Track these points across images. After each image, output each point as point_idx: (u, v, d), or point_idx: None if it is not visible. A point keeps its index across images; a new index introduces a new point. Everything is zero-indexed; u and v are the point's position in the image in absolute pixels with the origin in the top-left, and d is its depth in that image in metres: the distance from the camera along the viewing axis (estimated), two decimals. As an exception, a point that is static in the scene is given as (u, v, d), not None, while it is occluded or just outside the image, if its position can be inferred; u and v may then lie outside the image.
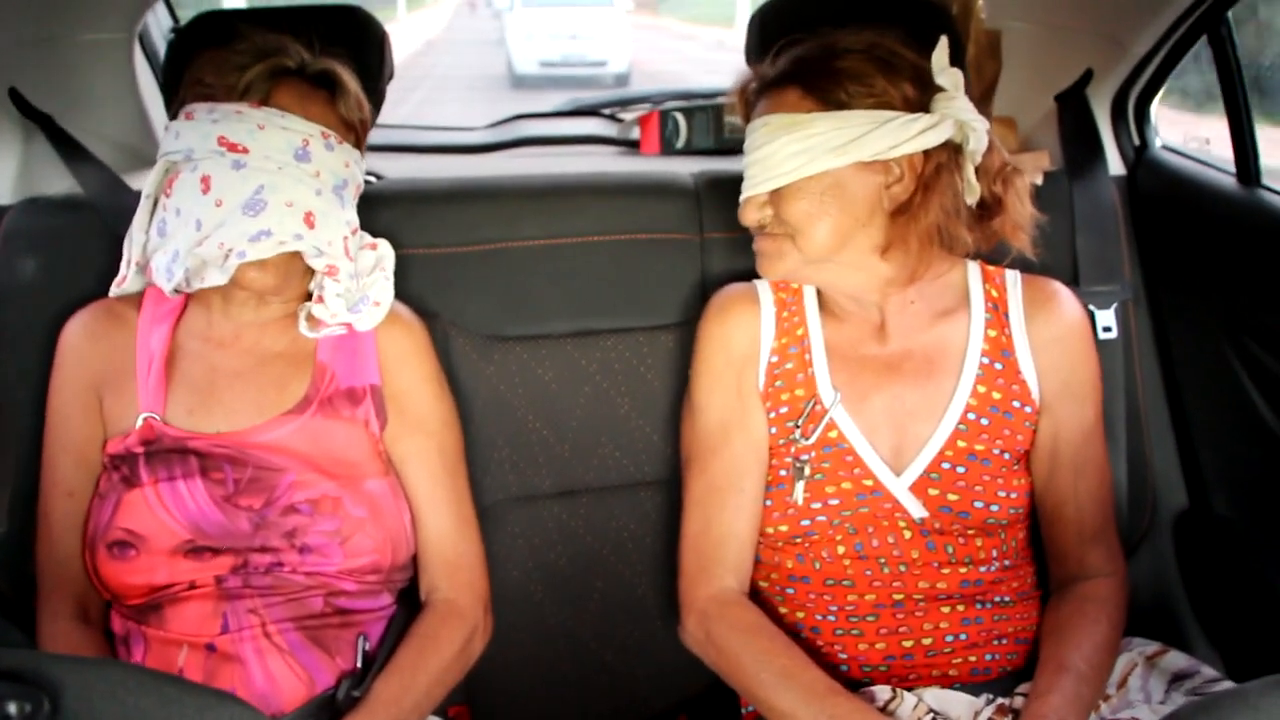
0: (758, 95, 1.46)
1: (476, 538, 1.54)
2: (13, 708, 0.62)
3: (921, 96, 1.39)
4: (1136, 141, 1.94)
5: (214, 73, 1.39)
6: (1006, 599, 1.45)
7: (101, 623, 1.43)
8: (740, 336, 1.51)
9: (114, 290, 1.46)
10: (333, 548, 1.39)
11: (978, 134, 1.38)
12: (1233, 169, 1.74)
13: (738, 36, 1.78)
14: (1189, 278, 1.80)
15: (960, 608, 1.41)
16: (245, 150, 1.33)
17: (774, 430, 1.48)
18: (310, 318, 1.43)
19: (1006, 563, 1.46)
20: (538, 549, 1.72)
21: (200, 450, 1.39)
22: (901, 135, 1.36)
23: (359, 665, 1.39)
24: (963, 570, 1.42)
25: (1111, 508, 1.55)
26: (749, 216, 1.44)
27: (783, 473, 1.45)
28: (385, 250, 1.50)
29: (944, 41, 1.39)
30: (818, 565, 1.43)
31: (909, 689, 1.38)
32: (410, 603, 1.51)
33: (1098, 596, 1.44)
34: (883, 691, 1.36)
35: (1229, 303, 1.71)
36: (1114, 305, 1.73)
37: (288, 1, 1.65)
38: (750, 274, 1.69)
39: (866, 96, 1.37)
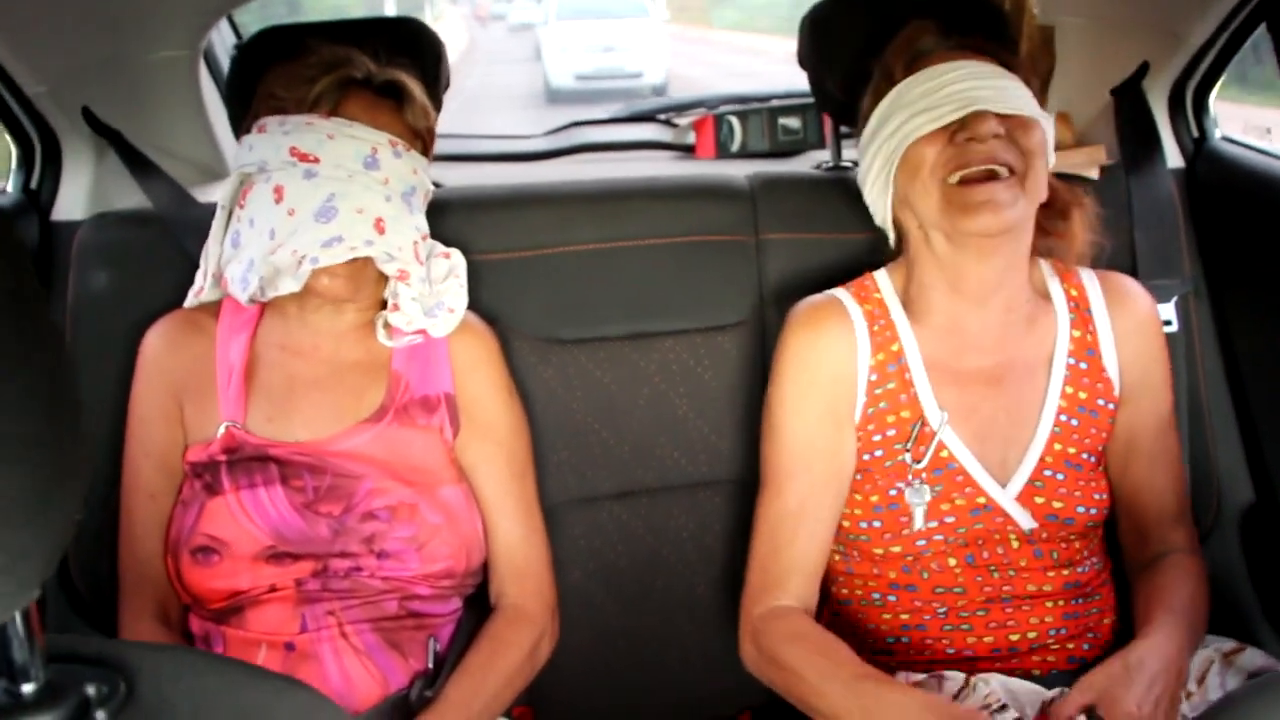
0: (923, 55, 1.42)
1: (544, 543, 1.56)
2: (90, 689, 0.63)
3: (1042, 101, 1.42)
4: (1195, 133, 1.92)
5: (285, 86, 1.42)
6: (1098, 594, 1.46)
7: (181, 624, 1.46)
8: (834, 356, 1.43)
9: (190, 301, 1.49)
10: (409, 553, 1.41)
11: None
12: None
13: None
14: (1252, 270, 1.77)
15: (1062, 603, 1.42)
16: (316, 160, 1.35)
17: (880, 453, 1.42)
18: (387, 325, 1.45)
19: (1096, 560, 1.47)
20: (598, 550, 1.73)
21: (280, 458, 1.41)
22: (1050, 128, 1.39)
23: (430, 666, 1.42)
24: (1065, 572, 1.43)
25: (1187, 495, 1.54)
26: (981, 129, 1.31)
27: (891, 492, 1.41)
28: (458, 258, 1.51)
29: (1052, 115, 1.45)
30: (925, 575, 1.42)
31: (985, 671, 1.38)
32: (478, 606, 1.53)
33: (1186, 567, 1.44)
34: (955, 679, 1.35)
35: None
36: (1174, 299, 1.72)
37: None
38: (807, 273, 1.70)
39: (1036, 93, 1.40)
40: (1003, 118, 1.33)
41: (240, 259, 1.38)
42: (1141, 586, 1.44)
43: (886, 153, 1.40)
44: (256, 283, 1.36)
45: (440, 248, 1.52)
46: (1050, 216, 1.44)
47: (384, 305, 1.46)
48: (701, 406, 1.74)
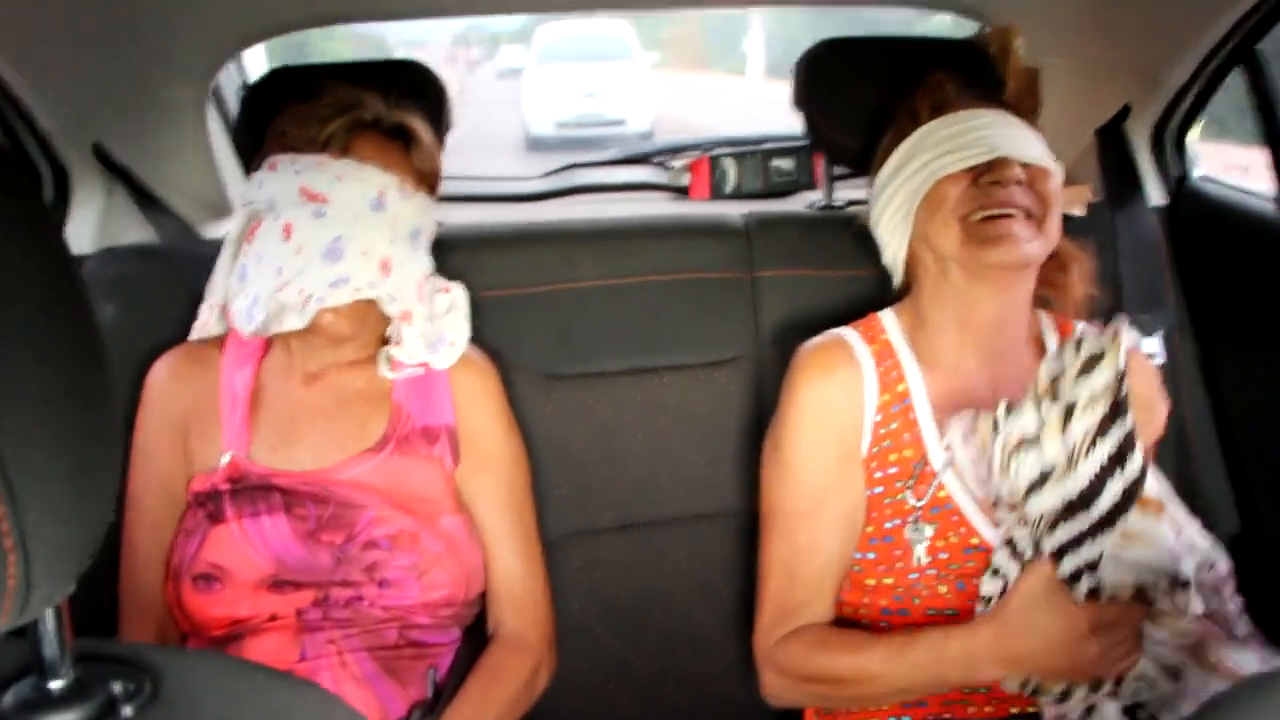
0: (948, 102, 1.46)
1: (543, 574, 1.57)
2: (117, 687, 0.65)
3: None
4: (1176, 172, 1.97)
5: (297, 125, 1.43)
6: None
7: None
8: (844, 396, 1.43)
9: (195, 334, 1.51)
10: (410, 581, 1.42)
11: None
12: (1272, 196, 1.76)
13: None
14: (1233, 303, 1.81)
15: None
16: (325, 199, 1.37)
17: (880, 490, 1.42)
18: (389, 359, 1.47)
19: None
20: (597, 582, 1.75)
21: (284, 487, 1.43)
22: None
23: (430, 695, 1.43)
24: None
25: None
26: (1007, 174, 1.36)
27: (888, 525, 1.42)
28: (459, 292, 1.54)
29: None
30: (917, 600, 1.41)
31: None
32: (476, 636, 1.54)
33: None
34: None
35: (1274, 325, 1.73)
36: (1159, 332, 1.75)
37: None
38: (802, 310, 1.73)
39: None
40: (1024, 165, 1.37)
41: (246, 293, 1.39)
42: None
43: (910, 189, 1.42)
44: (262, 318, 1.37)
45: (442, 282, 1.54)
46: (1052, 268, 1.47)
47: (386, 341, 1.48)
48: (699, 441, 1.76)
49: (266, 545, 1.40)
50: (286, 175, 1.39)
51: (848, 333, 1.49)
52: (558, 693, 1.57)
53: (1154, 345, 1.74)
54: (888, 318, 1.50)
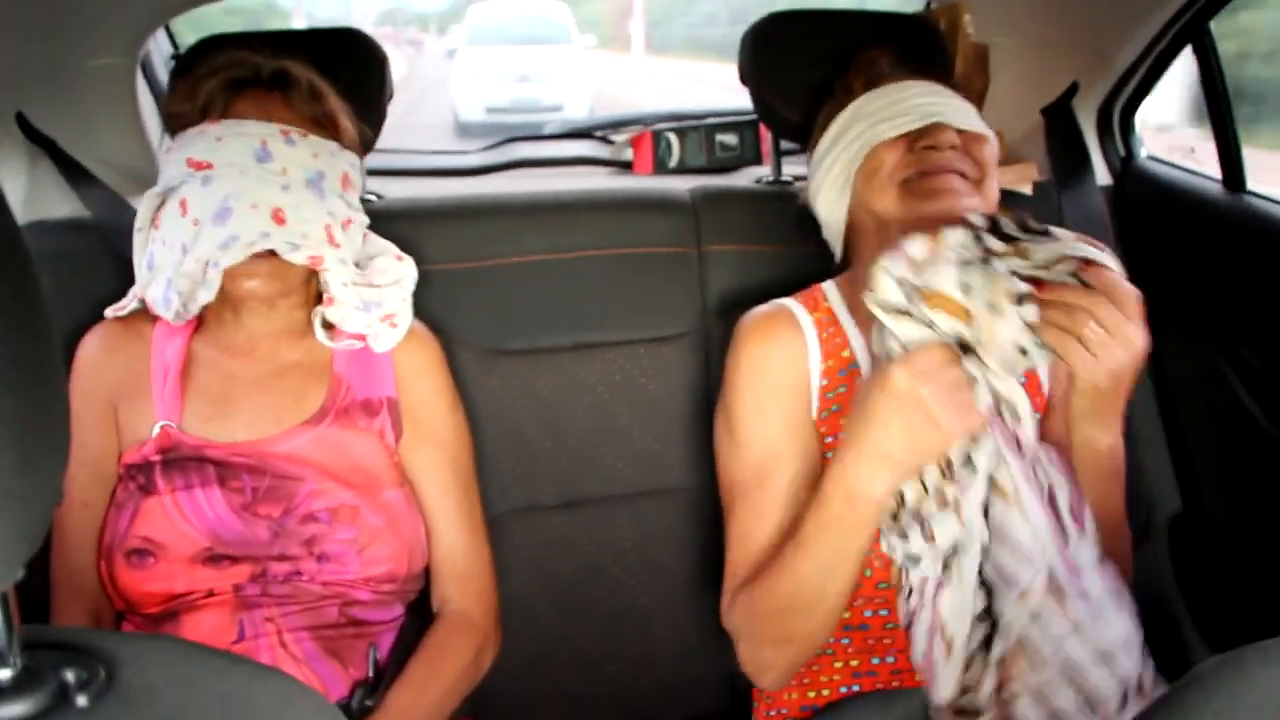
0: (881, 77, 1.47)
1: (487, 551, 1.56)
2: (69, 675, 0.62)
3: None
4: (1123, 152, 1.98)
5: (180, 102, 1.41)
6: None
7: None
8: (787, 362, 1.43)
9: (109, 312, 1.46)
10: (350, 556, 1.40)
11: None
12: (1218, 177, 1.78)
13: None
14: (1178, 283, 1.83)
15: None
16: (210, 165, 1.34)
17: (830, 455, 1.37)
18: (327, 324, 1.44)
19: None
20: (540, 560, 1.73)
21: (218, 459, 1.40)
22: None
23: (371, 675, 1.40)
24: None
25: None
26: (942, 138, 1.37)
27: None
28: (409, 267, 1.51)
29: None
30: (878, 562, 1.36)
31: None
32: (419, 614, 1.52)
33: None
34: None
35: (1218, 307, 1.75)
36: None
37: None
38: (748, 285, 1.72)
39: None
40: (960, 132, 1.38)
41: (158, 280, 1.37)
42: None
43: (846, 159, 1.43)
44: (178, 300, 1.35)
45: (394, 249, 1.51)
46: None
47: (320, 300, 1.45)
48: (644, 417, 1.75)
49: (200, 518, 1.37)
50: (176, 153, 1.37)
51: (789, 302, 1.48)
52: (499, 670, 1.55)
53: (1098, 324, 1.74)
54: (829, 288, 1.50)
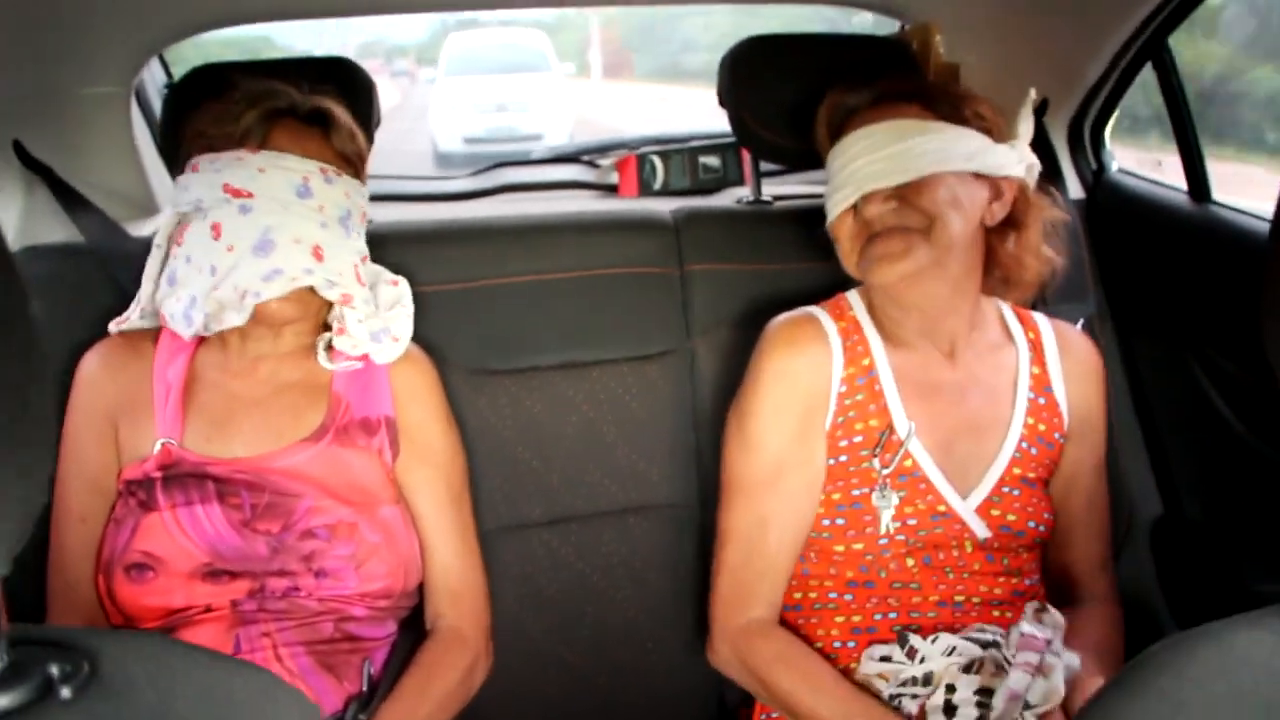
0: (850, 115, 1.50)
1: (480, 568, 1.57)
2: (54, 669, 0.63)
3: (1004, 129, 1.49)
4: (1094, 166, 2.02)
5: (213, 123, 1.43)
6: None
7: None
8: (810, 370, 1.48)
9: (113, 327, 1.48)
10: (348, 572, 1.42)
11: (1033, 177, 1.50)
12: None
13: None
14: (1151, 292, 1.87)
15: (1009, 614, 1.46)
16: (250, 194, 1.37)
17: (845, 458, 1.47)
18: (329, 348, 1.47)
19: (1038, 576, 1.54)
20: (529, 576, 1.75)
21: (218, 475, 1.42)
22: (1009, 158, 1.45)
23: (365, 689, 1.42)
24: (1014, 580, 1.48)
25: (1108, 539, 1.61)
26: (870, 210, 1.42)
27: (855, 493, 1.46)
28: (405, 287, 1.54)
29: (1032, 92, 1.50)
30: (883, 573, 1.46)
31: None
32: (412, 630, 1.53)
33: (1113, 619, 1.54)
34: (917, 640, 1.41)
35: (1190, 313, 1.78)
36: (1080, 321, 1.79)
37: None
38: (731, 304, 1.75)
39: (980, 120, 1.46)
40: (899, 186, 1.41)
41: (179, 296, 1.39)
42: (1074, 634, 1.48)
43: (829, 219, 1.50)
44: (201, 319, 1.37)
45: (388, 275, 1.55)
46: (1002, 252, 1.50)
47: (326, 327, 1.48)
48: (630, 434, 1.77)
49: (200, 534, 1.38)
50: (209, 175, 1.39)
51: (816, 310, 1.54)
52: (489, 686, 1.57)
53: (1076, 334, 1.78)
54: (854, 297, 1.56)
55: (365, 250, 1.48)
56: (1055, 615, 1.33)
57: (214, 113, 1.44)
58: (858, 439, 1.47)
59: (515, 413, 1.75)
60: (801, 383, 1.48)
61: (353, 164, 1.49)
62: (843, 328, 1.51)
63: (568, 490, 1.76)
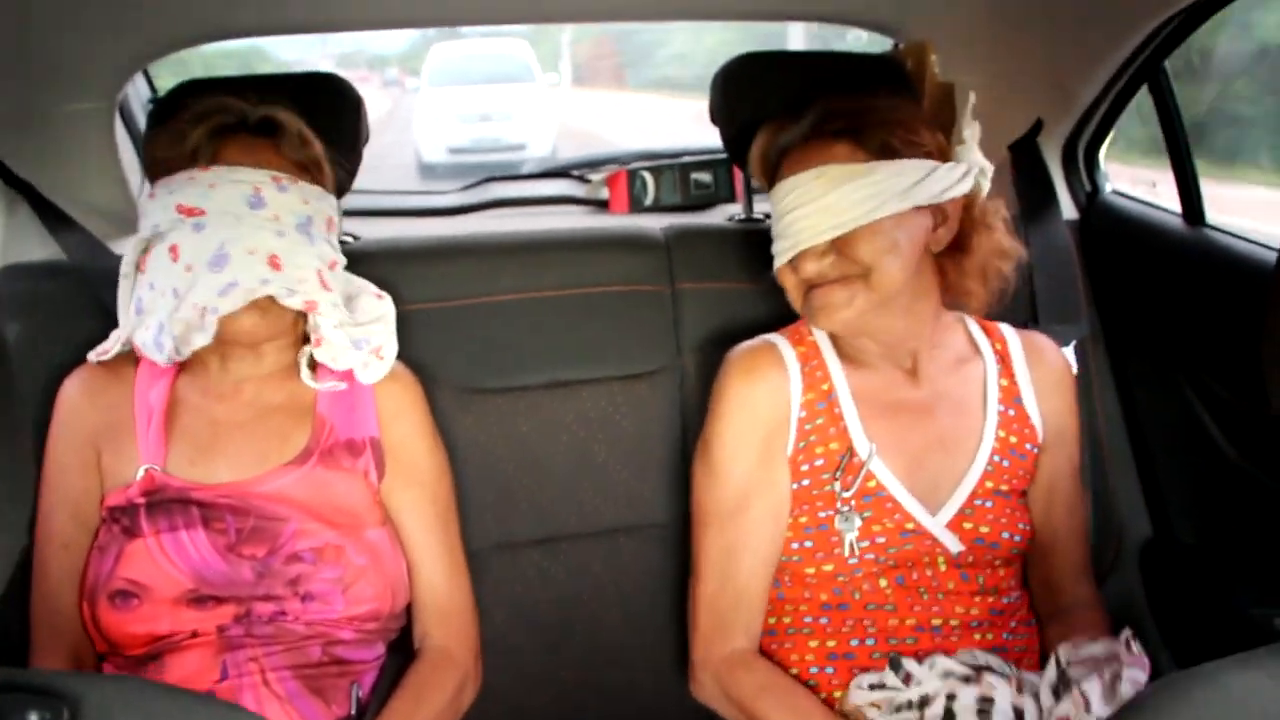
0: (783, 154, 1.48)
1: (468, 587, 1.56)
2: (34, 716, 0.63)
3: (946, 147, 1.47)
4: (1088, 187, 2.02)
5: (164, 147, 1.42)
6: (1023, 631, 1.51)
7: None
8: (769, 398, 1.49)
9: (92, 356, 1.46)
10: (335, 595, 1.40)
11: (986, 180, 1.48)
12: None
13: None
14: (1143, 314, 1.87)
15: (989, 635, 1.46)
16: (202, 211, 1.35)
17: (807, 482, 1.47)
18: (313, 364, 1.45)
19: (1017, 594, 1.53)
20: (519, 595, 1.74)
21: (202, 501, 1.40)
22: (948, 180, 1.42)
23: (353, 713, 1.41)
24: (990, 599, 1.48)
25: (1089, 544, 1.61)
26: (807, 268, 1.42)
27: (821, 515, 1.46)
28: (389, 305, 1.53)
29: (971, 95, 1.48)
30: (857, 595, 1.46)
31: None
32: (400, 652, 1.52)
33: (1097, 623, 1.52)
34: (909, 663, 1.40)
35: (1183, 336, 1.78)
36: (1073, 343, 1.79)
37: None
38: (722, 322, 1.75)
39: (916, 146, 1.43)
40: (833, 239, 1.41)
41: (148, 324, 1.38)
42: (1057, 641, 1.48)
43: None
44: (171, 344, 1.36)
45: (372, 288, 1.53)
46: (954, 273, 1.50)
47: (307, 341, 1.46)
48: (620, 453, 1.76)
49: (185, 560, 1.37)
50: (163, 198, 1.38)
51: (775, 337, 1.54)
52: (478, 706, 1.55)
53: (1068, 355, 1.77)
54: None
55: (335, 256, 1.45)
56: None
57: (164, 136, 1.43)
58: (819, 463, 1.47)
59: (505, 431, 1.74)
60: (761, 410, 1.48)
61: (309, 170, 1.46)
62: (801, 353, 1.51)
63: (558, 509, 1.75)
